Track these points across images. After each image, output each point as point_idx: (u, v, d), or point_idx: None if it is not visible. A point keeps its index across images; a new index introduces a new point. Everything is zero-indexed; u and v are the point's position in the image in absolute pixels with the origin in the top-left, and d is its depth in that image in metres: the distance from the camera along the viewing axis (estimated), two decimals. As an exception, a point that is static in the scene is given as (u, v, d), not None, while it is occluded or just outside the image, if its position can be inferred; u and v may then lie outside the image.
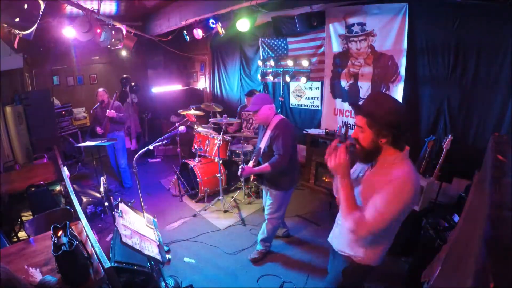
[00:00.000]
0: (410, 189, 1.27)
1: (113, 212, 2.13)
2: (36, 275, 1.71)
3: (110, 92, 4.57)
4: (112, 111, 4.25)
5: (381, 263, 1.56)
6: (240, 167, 2.70)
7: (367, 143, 1.36)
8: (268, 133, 2.63)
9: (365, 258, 1.51)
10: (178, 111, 4.79)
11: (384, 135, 1.32)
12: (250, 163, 2.75)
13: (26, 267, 1.76)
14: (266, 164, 2.57)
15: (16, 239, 3.05)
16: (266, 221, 2.92)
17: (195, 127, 4.40)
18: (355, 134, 1.41)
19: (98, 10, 3.63)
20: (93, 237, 2.06)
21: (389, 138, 1.33)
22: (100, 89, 4.42)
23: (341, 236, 1.60)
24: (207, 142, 4.16)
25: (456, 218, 2.55)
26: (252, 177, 2.78)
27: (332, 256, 1.75)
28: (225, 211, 3.93)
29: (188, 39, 4.18)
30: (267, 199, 2.86)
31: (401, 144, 1.36)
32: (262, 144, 2.68)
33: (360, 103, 1.48)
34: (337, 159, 1.36)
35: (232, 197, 4.19)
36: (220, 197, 3.99)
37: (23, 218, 3.25)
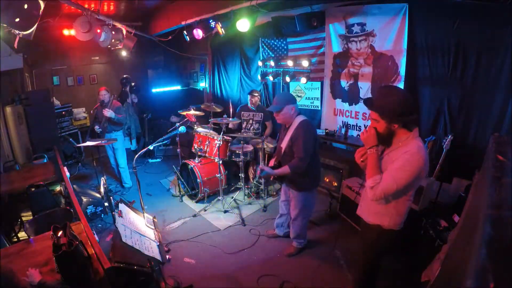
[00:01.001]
0: (420, 159, 1.58)
1: (113, 212, 2.13)
2: (36, 275, 1.71)
3: (114, 91, 4.55)
4: (110, 110, 4.22)
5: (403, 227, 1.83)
6: (259, 168, 2.68)
7: (383, 130, 1.69)
8: (289, 133, 2.60)
9: (390, 223, 1.79)
10: (178, 111, 4.79)
11: (395, 122, 1.64)
12: (270, 163, 2.79)
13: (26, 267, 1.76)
14: (286, 166, 2.56)
15: (16, 239, 3.05)
16: (291, 222, 2.97)
17: (195, 127, 4.40)
18: (372, 124, 1.74)
19: (98, 10, 3.63)
20: (93, 237, 2.06)
21: (400, 123, 1.65)
22: (102, 89, 4.40)
23: (367, 209, 1.91)
24: (207, 142, 4.16)
25: (456, 218, 2.55)
26: (272, 177, 2.75)
27: (363, 227, 2.00)
28: (225, 211, 3.93)
29: (188, 39, 4.18)
30: (292, 201, 2.86)
31: (410, 126, 1.68)
32: (283, 144, 2.67)
33: (370, 98, 1.80)
34: (368, 132, 1.73)
35: (232, 197, 4.19)
36: (220, 197, 3.99)
37: (23, 218, 3.25)
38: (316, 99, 4.78)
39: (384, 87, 1.84)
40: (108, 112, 4.19)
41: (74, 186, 3.50)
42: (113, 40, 3.95)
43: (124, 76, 6.19)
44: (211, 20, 3.76)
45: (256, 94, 4.58)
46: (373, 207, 1.84)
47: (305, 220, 2.96)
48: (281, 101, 2.57)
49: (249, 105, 4.62)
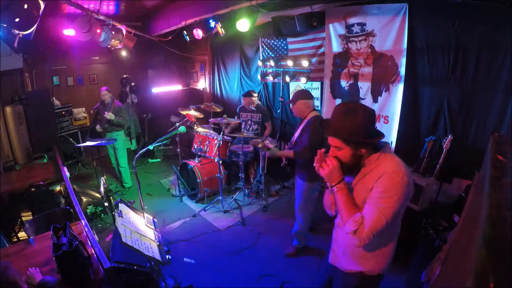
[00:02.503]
0: (403, 178, 1.26)
1: (113, 212, 2.13)
2: (36, 275, 1.71)
3: (113, 91, 4.55)
4: (110, 113, 4.25)
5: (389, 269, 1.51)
6: (266, 142, 2.91)
7: (349, 159, 1.36)
8: (301, 126, 2.86)
9: (375, 268, 1.48)
10: (178, 111, 4.79)
11: (363, 146, 1.34)
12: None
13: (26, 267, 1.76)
14: (291, 150, 2.85)
15: (16, 239, 3.05)
16: (296, 212, 3.06)
17: (195, 127, 4.40)
18: (332, 153, 1.39)
19: (98, 10, 3.63)
20: (93, 237, 2.06)
21: (368, 147, 1.35)
22: (103, 89, 4.40)
23: (345, 255, 1.55)
24: (207, 142, 4.16)
25: (456, 218, 2.55)
26: (283, 160, 3.01)
27: (337, 278, 1.64)
28: (225, 212, 3.93)
29: (188, 39, 4.18)
30: (297, 191, 3.02)
31: (379, 145, 1.38)
32: (296, 134, 2.93)
33: (326, 120, 1.46)
34: (329, 166, 1.35)
35: (232, 197, 4.19)
36: (220, 197, 3.99)
37: (23, 218, 3.25)
38: (316, 99, 4.77)
39: (342, 105, 1.42)
40: (108, 115, 4.21)
41: (74, 186, 3.50)
42: (113, 40, 3.95)
43: (124, 76, 6.19)
44: (211, 20, 3.76)
45: (252, 96, 4.53)
46: (355, 250, 1.47)
47: (307, 213, 3.02)
48: (297, 95, 2.86)
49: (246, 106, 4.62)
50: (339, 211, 1.40)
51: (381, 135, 1.35)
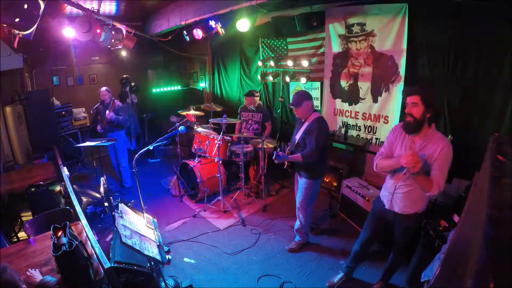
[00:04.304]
0: (451, 147, 1.91)
1: (113, 212, 2.13)
2: (36, 275, 1.71)
3: (113, 91, 4.55)
4: (111, 113, 4.25)
5: None
6: (275, 152, 2.90)
7: (419, 115, 1.92)
8: (304, 127, 2.87)
9: (423, 207, 2.12)
10: (178, 111, 4.79)
11: (429, 111, 1.91)
12: (286, 152, 3.01)
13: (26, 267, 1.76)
14: (299, 154, 2.83)
15: (16, 239, 3.05)
16: (297, 210, 3.10)
17: (195, 127, 4.40)
18: (409, 109, 1.95)
19: (98, 10, 3.62)
20: (93, 237, 2.06)
21: (431, 113, 1.93)
22: (103, 88, 4.40)
23: (404, 201, 2.11)
24: (207, 142, 4.16)
25: (456, 218, 2.55)
26: (285, 163, 3.02)
27: (398, 218, 2.19)
28: (225, 211, 3.93)
29: (188, 39, 4.18)
30: (299, 189, 3.06)
31: (432, 121, 1.96)
32: (298, 136, 2.94)
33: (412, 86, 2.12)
34: (414, 156, 1.80)
35: (232, 197, 4.19)
36: (220, 197, 3.99)
37: (23, 218, 3.25)
38: (316, 99, 4.77)
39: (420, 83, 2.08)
40: (110, 115, 4.22)
41: (74, 186, 3.50)
42: (113, 40, 3.94)
43: (124, 76, 6.19)
44: (211, 20, 3.75)
45: (254, 96, 4.54)
46: (411, 197, 2.07)
47: (309, 208, 3.07)
48: (300, 97, 2.85)
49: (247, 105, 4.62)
50: (419, 184, 1.92)
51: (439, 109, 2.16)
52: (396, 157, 2.08)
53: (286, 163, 3.00)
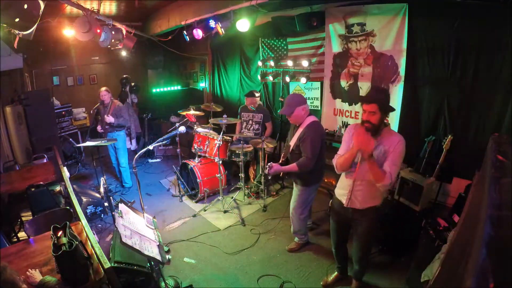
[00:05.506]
0: (405, 146, 2.01)
1: (113, 212, 2.13)
2: (36, 275, 1.71)
3: (113, 91, 4.55)
4: (110, 116, 4.26)
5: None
6: (268, 165, 2.81)
7: (377, 122, 1.98)
8: (298, 132, 2.74)
9: (380, 200, 2.20)
10: (178, 111, 4.79)
11: (387, 115, 2.04)
12: (280, 160, 2.91)
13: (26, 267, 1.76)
14: (294, 164, 2.71)
15: (16, 239, 3.05)
16: (291, 215, 3.05)
17: (195, 127, 4.40)
18: (367, 117, 2.00)
19: (98, 10, 3.63)
20: (93, 237, 2.06)
21: (387, 116, 2.06)
22: (103, 89, 4.40)
23: (365, 196, 2.15)
24: (207, 142, 4.16)
25: (456, 218, 2.55)
26: (281, 173, 2.95)
27: (359, 215, 2.21)
28: (225, 211, 3.93)
29: (188, 39, 4.18)
30: (293, 195, 3.00)
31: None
32: (292, 142, 2.82)
33: (364, 95, 2.20)
34: (364, 134, 1.92)
35: (232, 197, 4.19)
36: (220, 197, 3.99)
37: (23, 218, 3.25)
38: (316, 99, 4.77)
39: (375, 86, 2.24)
40: (108, 119, 4.23)
41: (74, 186, 3.50)
42: (113, 40, 3.94)
43: (124, 76, 6.19)
44: (211, 20, 3.75)
45: (255, 96, 4.55)
46: (372, 193, 2.13)
47: (303, 214, 3.01)
48: (292, 103, 2.69)
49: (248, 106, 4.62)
50: (373, 173, 1.96)
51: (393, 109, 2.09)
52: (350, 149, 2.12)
53: (281, 173, 2.90)
